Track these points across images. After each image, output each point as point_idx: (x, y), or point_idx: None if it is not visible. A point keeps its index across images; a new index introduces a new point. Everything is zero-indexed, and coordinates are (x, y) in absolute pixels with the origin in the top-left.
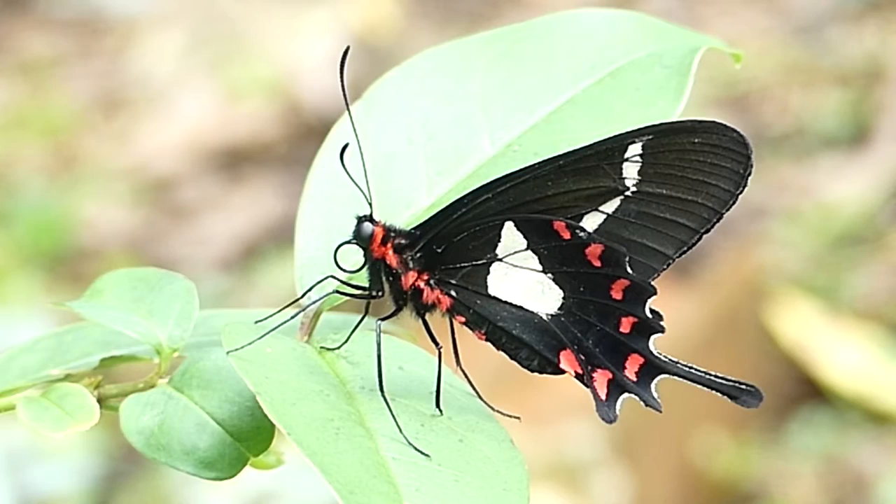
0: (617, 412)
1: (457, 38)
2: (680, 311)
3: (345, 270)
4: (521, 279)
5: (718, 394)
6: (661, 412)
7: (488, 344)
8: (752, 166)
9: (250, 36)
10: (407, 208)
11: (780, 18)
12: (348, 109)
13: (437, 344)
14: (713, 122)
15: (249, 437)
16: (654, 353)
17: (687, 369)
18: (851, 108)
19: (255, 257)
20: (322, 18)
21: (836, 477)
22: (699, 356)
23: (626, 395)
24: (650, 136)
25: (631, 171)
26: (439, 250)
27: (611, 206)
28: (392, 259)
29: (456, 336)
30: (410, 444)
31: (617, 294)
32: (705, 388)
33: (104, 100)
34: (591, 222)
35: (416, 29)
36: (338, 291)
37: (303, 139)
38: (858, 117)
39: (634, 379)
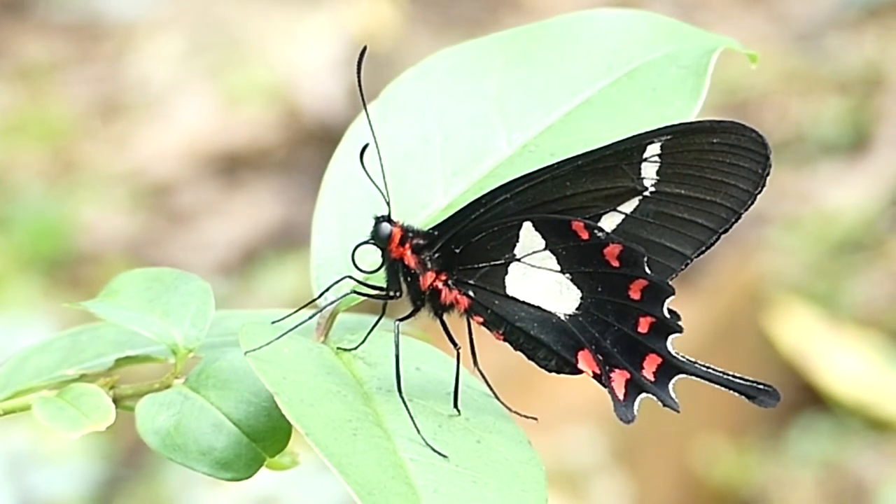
0: (635, 412)
1: (455, 43)
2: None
3: (362, 271)
4: (539, 279)
5: (735, 393)
6: (678, 412)
7: (504, 344)
8: (770, 166)
9: (249, 41)
10: (423, 208)
11: (779, 25)
12: (365, 109)
13: (455, 344)
14: (732, 122)
15: (266, 437)
16: (672, 353)
17: (704, 369)
18: (851, 115)
19: (254, 263)
20: (321, 24)
21: (836, 484)
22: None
23: (643, 395)
24: (669, 137)
25: (649, 172)
26: (457, 250)
27: (629, 207)
28: (410, 259)
29: (474, 336)
30: (428, 444)
31: (635, 294)
32: (722, 388)
33: (103, 105)
34: (609, 222)
35: (415, 34)
36: (355, 292)
37: (302, 144)
38: (858, 124)
39: (652, 379)
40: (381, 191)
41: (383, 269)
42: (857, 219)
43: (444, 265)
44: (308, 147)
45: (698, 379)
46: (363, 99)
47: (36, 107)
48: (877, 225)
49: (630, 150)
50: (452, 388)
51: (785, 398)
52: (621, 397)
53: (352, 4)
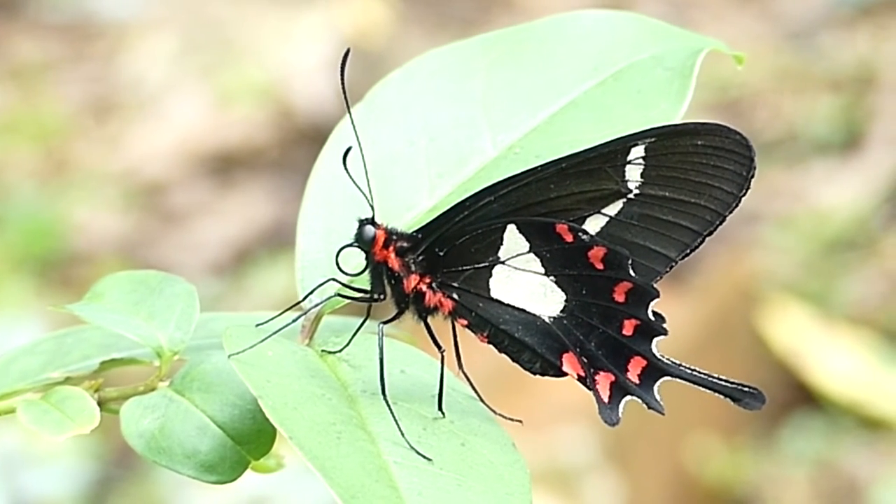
0: (620, 415)
1: (448, 43)
2: (672, 316)
3: (346, 273)
4: (523, 282)
5: (721, 396)
6: (663, 414)
7: (490, 346)
8: (754, 168)
9: (242, 40)
10: (408, 211)
11: (772, 24)
12: (349, 111)
13: (439, 347)
14: (716, 124)
15: (251, 440)
16: (657, 355)
17: (690, 371)
18: (843, 113)
19: (247, 262)
20: (314, 23)
21: (829, 482)
22: (691, 362)
23: (628, 397)
24: (653, 139)
25: (634, 174)
26: (441, 253)
27: (613, 209)
28: (394, 262)
29: (458, 339)
30: (412, 447)
31: (619, 297)
32: (707, 391)
33: (96, 104)
34: (593, 225)
35: (407, 34)
36: (339, 294)
37: (294, 144)
38: (850, 123)
39: (637, 381)
40: (364, 194)
41: (367, 271)
42: (850, 217)
43: (428, 268)
44: (301, 147)
45: (683, 381)
46: (347, 101)
47: (29, 106)
48: (870, 223)
49: (614, 152)
50: (437, 391)
51: (778, 397)
52: (606, 400)
53: (344, 4)
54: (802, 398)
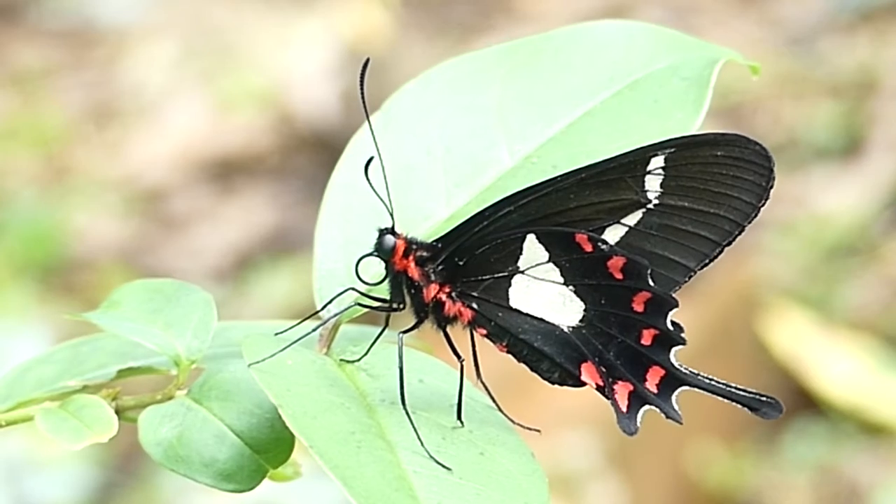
0: (638, 424)
1: (449, 48)
2: None
3: (366, 283)
4: (542, 292)
5: (739, 405)
6: (681, 424)
7: (507, 355)
8: (774, 179)
9: (242, 46)
10: (425, 220)
11: (772, 29)
12: (368, 121)
13: (458, 356)
14: (736, 134)
15: (269, 448)
16: (676, 365)
17: (708, 381)
18: (844, 119)
19: (248, 268)
20: (314, 29)
21: (831, 488)
22: (693, 367)
23: (646, 406)
24: (673, 149)
25: (653, 184)
26: (461, 263)
27: (633, 219)
28: (414, 272)
29: (477, 349)
30: (432, 457)
31: (639, 306)
32: (725, 400)
33: (96, 110)
34: (612, 235)
35: (408, 39)
36: (359, 304)
37: (295, 150)
38: (851, 128)
39: (655, 391)
40: (384, 203)
41: (387, 281)
42: (851, 223)
43: (447, 277)
44: (301, 152)
45: (701, 391)
46: (366, 111)
47: (29, 113)
48: (870, 229)
49: (634, 162)
50: (456, 401)
51: None
52: (624, 409)
53: (345, 10)
54: (804, 403)
